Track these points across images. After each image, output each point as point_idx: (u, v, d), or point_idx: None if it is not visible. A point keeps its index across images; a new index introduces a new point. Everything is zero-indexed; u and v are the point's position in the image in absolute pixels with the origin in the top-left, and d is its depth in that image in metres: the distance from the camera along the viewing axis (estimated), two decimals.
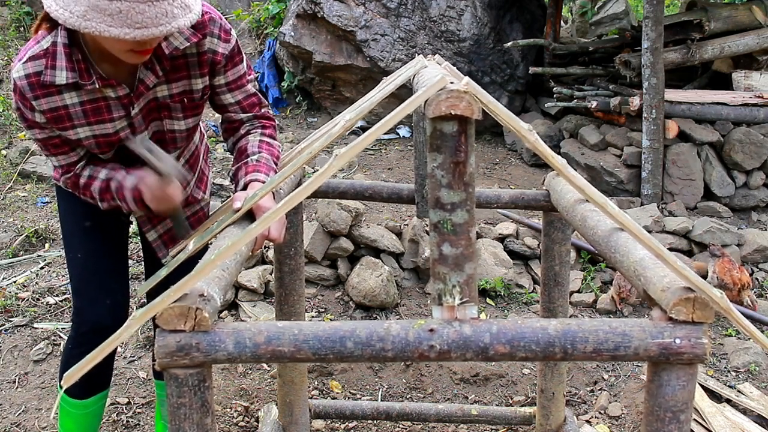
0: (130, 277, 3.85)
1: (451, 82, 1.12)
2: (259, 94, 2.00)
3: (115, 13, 1.46)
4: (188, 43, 1.76)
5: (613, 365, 3.40)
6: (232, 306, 3.66)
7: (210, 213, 2.31)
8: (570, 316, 3.45)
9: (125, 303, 2.16)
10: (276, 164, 1.88)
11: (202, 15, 1.77)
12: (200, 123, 2.26)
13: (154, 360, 2.39)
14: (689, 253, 4.38)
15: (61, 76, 1.69)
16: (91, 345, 2.05)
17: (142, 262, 3.97)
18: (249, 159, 1.84)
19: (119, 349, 3.29)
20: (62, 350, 2.21)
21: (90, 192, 1.89)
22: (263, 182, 1.76)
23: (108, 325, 2.04)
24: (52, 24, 1.69)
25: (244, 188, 1.77)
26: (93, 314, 2.07)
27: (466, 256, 1.17)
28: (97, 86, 1.72)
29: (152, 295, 2.17)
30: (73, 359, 2.05)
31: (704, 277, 3.92)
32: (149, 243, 2.17)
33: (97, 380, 2.19)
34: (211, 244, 1.52)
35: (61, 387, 1.20)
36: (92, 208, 2.05)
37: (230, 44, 1.84)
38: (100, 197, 1.89)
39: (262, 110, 1.98)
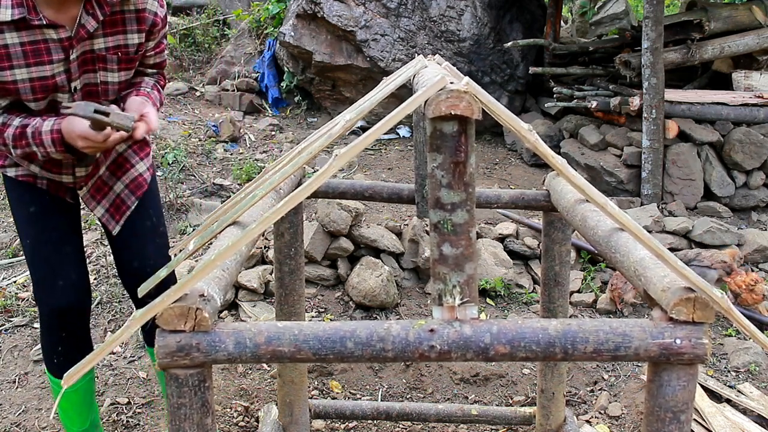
0: None
1: (451, 82, 1.12)
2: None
3: None
4: None
5: (613, 365, 3.40)
6: (232, 306, 3.66)
7: (210, 211, 2.34)
8: (570, 316, 3.45)
9: (81, 283, 2.21)
10: (161, 105, 2.20)
11: None
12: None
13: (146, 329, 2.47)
14: None
15: (6, 14, 1.78)
16: (56, 328, 2.17)
17: None
18: (142, 88, 2.12)
19: (119, 349, 3.29)
20: (39, 337, 2.33)
21: (3, 139, 1.95)
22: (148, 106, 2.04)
23: (65, 307, 2.14)
24: None
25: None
26: (49, 297, 2.14)
27: (467, 256, 1.17)
28: (45, 23, 1.82)
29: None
30: (47, 345, 2.21)
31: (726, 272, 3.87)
32: (99, 219, 2.26)
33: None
34: (210, 244, 1.52)
35: (60, 387, 1.21)
36: (34, 193, 2.15)
37: (164, 9, 2.04)
38: (14, 144, 1.95)
39: (162, 71, 2.27)
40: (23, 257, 4.08)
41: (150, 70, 2.21)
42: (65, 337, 2.18)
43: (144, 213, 2.28)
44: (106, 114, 1.85)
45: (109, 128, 1.88)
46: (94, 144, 1.89)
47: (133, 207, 2.26)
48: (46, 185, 2.16)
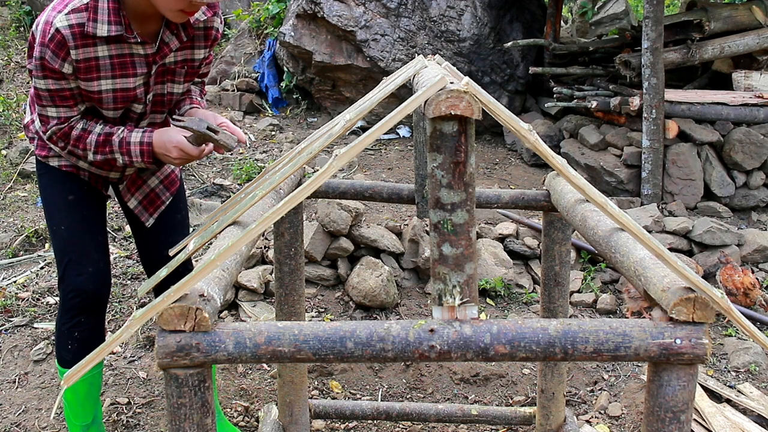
0: (130, 277, 3.86)
1: (451, 82, 1.12)
2: None
3: None
4: (205, 17, 2.06)
5: (613, 365, 3.40)
6: (232, 306, 3.66)
7: (210, 211, 2.36)
8: (570, 316, 3.45)
9: (107, 270, 2.30)
10: None
11: None
12: None
13: None
14: (689, 253, 4.38)
15: (103, 29, 1.88)
16: (77, 311, 2.23)
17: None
18: (198, 98, 2.29)
19: (119, 349, 3.29)
20: (55, 324, 2.36)
21: (84, 144, 2.03)
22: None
23: (90, 291, 2.21)
24: None
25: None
26: (77, 281, 2.20)
27: (466, 256, 1.17)
28: (138, 41, 1.95)
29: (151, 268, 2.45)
30: (64, 329, 2.26)
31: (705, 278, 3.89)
32: (131, 211, 2.36)
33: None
34: (211, 244, 1.52)
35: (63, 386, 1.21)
36: (74, 183, 2.23)
37: (223, 24, 2.18)
38: (95, 150, 2.04)
39: (205, 79, 2.39)
40: (23, 257, 4.08)
41: (197, 79, 2.34)
42: (83, 321, 2.24)
43: (175, 206, 2.42)
44: (216, 132, 1.98)
45: (204, 144, 2.01)
46: (188, 155, 2.01)
47: (167, 202, 2.39)
48: (88, 176, 2.25)
